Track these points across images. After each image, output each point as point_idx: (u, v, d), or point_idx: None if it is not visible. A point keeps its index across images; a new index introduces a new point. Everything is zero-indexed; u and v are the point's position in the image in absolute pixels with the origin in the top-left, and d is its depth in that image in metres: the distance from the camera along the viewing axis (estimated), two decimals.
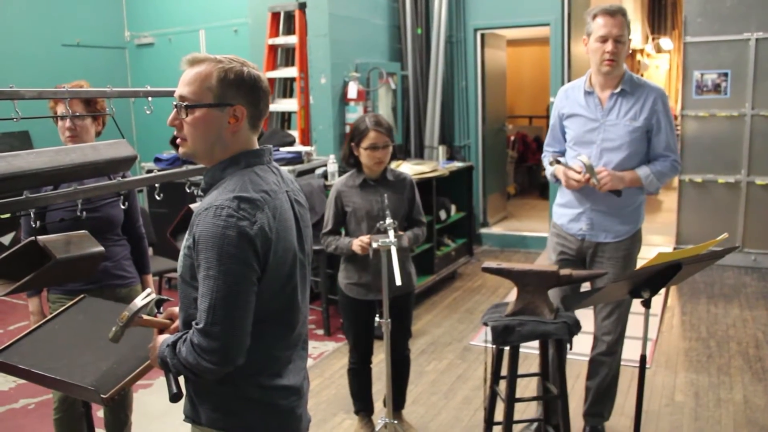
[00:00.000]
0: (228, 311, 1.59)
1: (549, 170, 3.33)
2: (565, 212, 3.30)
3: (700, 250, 2.41)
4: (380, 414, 3.59)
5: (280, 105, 6.63)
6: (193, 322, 1.63)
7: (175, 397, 1.76)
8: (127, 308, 1.78)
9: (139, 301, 1.80)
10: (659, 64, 12.81)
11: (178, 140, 1.76)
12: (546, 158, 3.42)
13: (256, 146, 1.80)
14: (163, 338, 1.76)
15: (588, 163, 3.02)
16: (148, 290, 1.97)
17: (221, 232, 1.58)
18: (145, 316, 1.83)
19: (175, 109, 1.71)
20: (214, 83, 1.67)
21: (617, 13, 3.02)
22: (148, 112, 2.44)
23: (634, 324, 4.82)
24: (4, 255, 2.10)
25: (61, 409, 2.95)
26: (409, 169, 5.73)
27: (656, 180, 3.13)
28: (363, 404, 3.59)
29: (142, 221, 3.11)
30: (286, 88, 6.66)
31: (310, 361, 4.55)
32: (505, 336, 2.77)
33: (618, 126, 3.11)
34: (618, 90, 3.11)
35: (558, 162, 3.15)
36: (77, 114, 2.72)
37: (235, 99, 1.69)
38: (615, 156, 3.12)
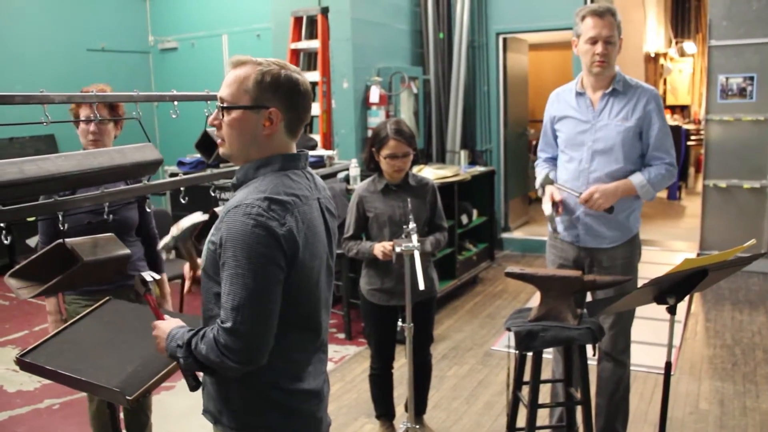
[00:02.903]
0: (255, 310, 1.59)
1: (539, 180, 3.31)
2: (561, 218, 3.25)
3: (726, 256, 2.38)
4: (401, 419, 3.59)
5: None
6: (219, 320, 1.62)
7: (194, 389, 1.80)
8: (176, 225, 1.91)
9: (187, 222, 1.95)
10: (682, 68, 12.71)
11: (218, 140, 1.78)
12: (538, 166, 3.39)
13: (293, 151, 1.80)
14: (169, 329, 1.76)
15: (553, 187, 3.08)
16: (197, 213, 2.03)
17: (250, 230, 1.58)
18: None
19: (216, 110, 1.74)
20: (250, 86, 1.68)
21: (606, 14, 2.96)
22: (174, 116, 2.46)
23: (658, 330, 4.80)
24: (32, 258, 2.13)
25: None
26: (431, 173, 5.72)
27: (651, 188, 3.03)
28: (384, 409, 3.58)
29: (154, 222, 3.12)
30: None
31: (331, 365, 4.55)
32: (529, 341, 2.75)
33: (609, 126, 3.04)
34: (609, 90, 3.05)
35: (551, 182, 3.15)
36: (105, 118, 2.74)
37: (271, 102, 1.69)
38: (606, 158, 3.05)
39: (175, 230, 2.10)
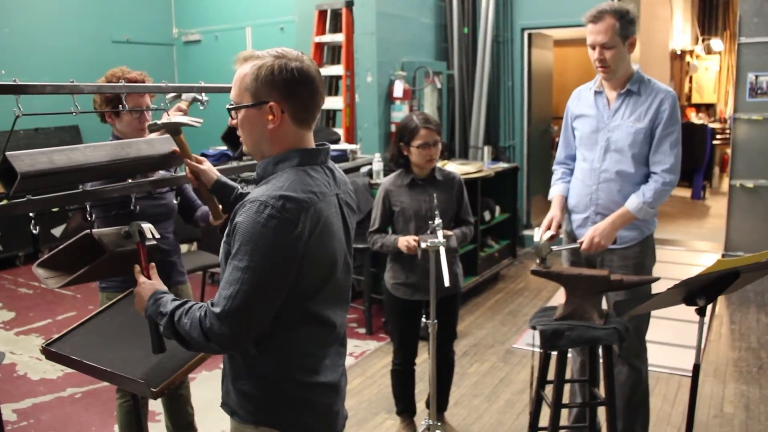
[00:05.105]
0: (247, 305, 1.59)
1: (551, 192, 3.30)
2: (573, 217, 3.22)
3: (759, 258, 2.33)
4: (422, 415, 3.57)
5: (325, 103, 6.61)
6: (210, 301, 1.63)
7: (158, 351, 1.89)
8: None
9: (179, 119, 2.10)
10: (709, 66, 12.56)
11: (241, 139, 1.78)
12: (555, 174, 3.36)
13: (311, 144, 1.77)
14: (154, 290, 1.80)
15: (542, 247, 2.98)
16: (190, 118, 2.11)
17: (260, 230, 1.58)
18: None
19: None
20: (249, 83, 1.68)
21: (603, 16, 2.91)
22: (201, 108, 2.46)
23: (680, 331, 4.75)
24: (59, 248, 2.13)
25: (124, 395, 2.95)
26: (454, 169, 5.67)
27: (649, 208, 2.97)
28: (405, 405, 3.57)
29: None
30: (332, 85, 6.66)
31: (351, 360, 4.55)
32: (554, 340, 2.72)
33: (621, 127, 3.01)
34: (624, 90, 3.02)
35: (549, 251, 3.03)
36: (141, 109, 2.72)
37: (270, 96, 1.67)
38: (617, 158, 3.02)
39: (165, 118, 2.19)
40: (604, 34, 2.91)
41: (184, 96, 2.48)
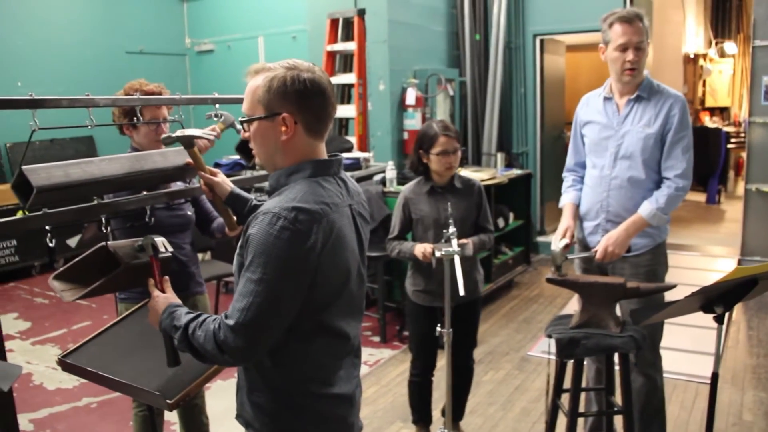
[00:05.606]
0: (262, 317, 1.60)
1: (562, 200, 3.28)
2: (585, 225, 3.20)
3: None
4: (438, 424, 3.55)
5: (338, 111, 6.64)
6: (224, 314, 1.63)
7: (173, 365, 1.91)
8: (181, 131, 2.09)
9: (192, 131, 2.14)
10: (722, 69, 12.48)
11: (253, 151, 1.79)
12: (566, 182, 3.34)
13: (324, 155, 1.77)
14: (168, 303, 1.80)
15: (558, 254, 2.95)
16: (202, 130, 2.12)
17: (272, 241, 1.58)
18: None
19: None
20: (261, 95, 1.68)
21: (635, 19, 2.89)
22: (215, 119, 2.47)
23: (697, 338, 4.70)
24: (75, 260, 2.13)
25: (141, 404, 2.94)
26: (468, 176, 5.68)
27: (663, 214, 2.95)
28: (422, 415, 3.55)
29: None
30: (345, 94, 6.68)
31: (366, 369, 4.54)
32: (570, 349, 2.70)
33: (631, 133, 2.98)
34: (634, 96, 2.99)
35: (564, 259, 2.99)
36: (157, 121, 2.72)
37: (282, 107, 1.67)
38: (627, 164, 2.99)
39: (179, 132, 2.23)
40: (639, 34, 2.90)
41: (223, 119, 2.47)
